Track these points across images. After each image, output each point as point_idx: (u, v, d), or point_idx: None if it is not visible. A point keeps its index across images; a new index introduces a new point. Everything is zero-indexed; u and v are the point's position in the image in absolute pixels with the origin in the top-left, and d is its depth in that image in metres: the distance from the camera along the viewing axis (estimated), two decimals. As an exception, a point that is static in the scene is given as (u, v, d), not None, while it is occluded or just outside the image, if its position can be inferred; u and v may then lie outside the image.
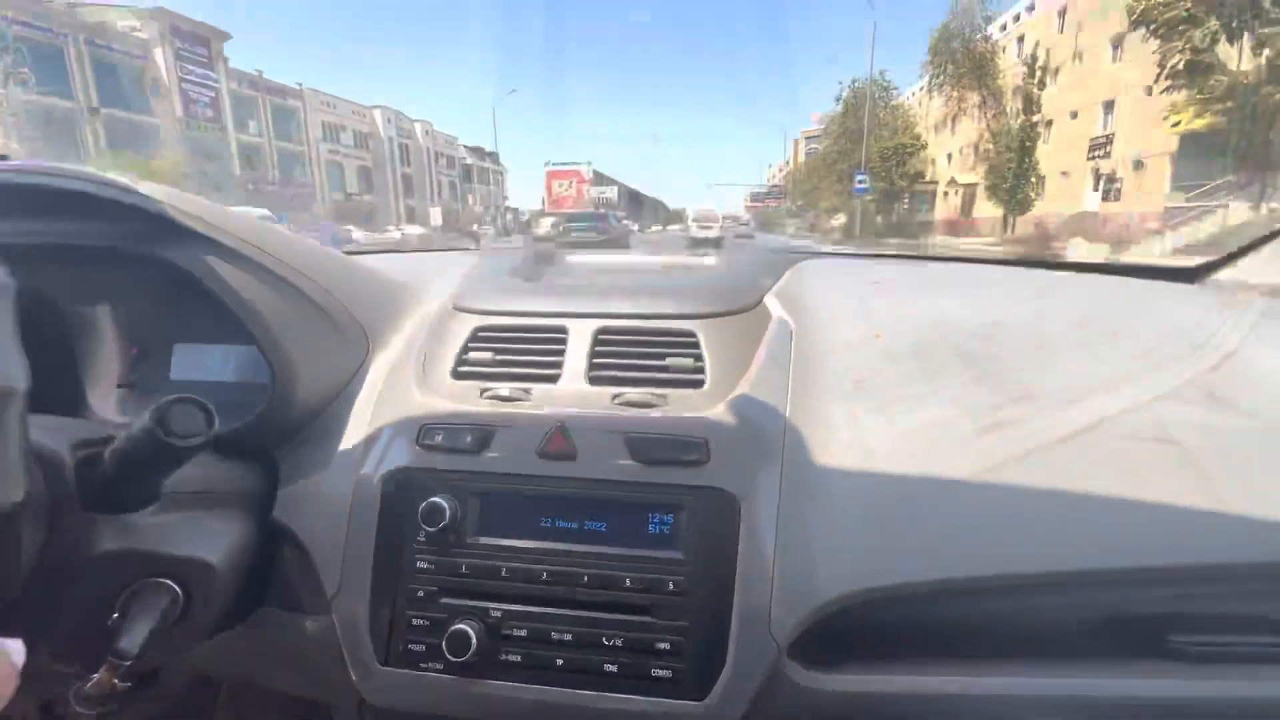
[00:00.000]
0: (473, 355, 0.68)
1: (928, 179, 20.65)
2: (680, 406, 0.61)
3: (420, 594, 0.57)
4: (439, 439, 0.59)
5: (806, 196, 46.91)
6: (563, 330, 0.69)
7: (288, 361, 0.58)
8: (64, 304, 0.63)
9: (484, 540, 0.58)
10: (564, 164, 74.32)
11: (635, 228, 23.27)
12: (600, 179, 75.92)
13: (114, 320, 0.66)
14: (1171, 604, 0.55)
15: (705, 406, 0.60)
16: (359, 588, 0.58)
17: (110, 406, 0.65)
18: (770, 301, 0.75)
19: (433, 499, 0.57)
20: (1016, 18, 19.88)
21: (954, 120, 18.48)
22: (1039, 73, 16.09)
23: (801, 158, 73.16)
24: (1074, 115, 18.15)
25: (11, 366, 0.27)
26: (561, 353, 0.67)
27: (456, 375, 0.67)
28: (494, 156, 59.75)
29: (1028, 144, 16.79)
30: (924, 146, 19.82)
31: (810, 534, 0.55)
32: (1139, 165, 15.95)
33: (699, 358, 0.66)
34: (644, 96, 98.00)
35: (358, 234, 25.05)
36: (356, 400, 0.66)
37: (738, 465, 0.57)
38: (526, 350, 0.68)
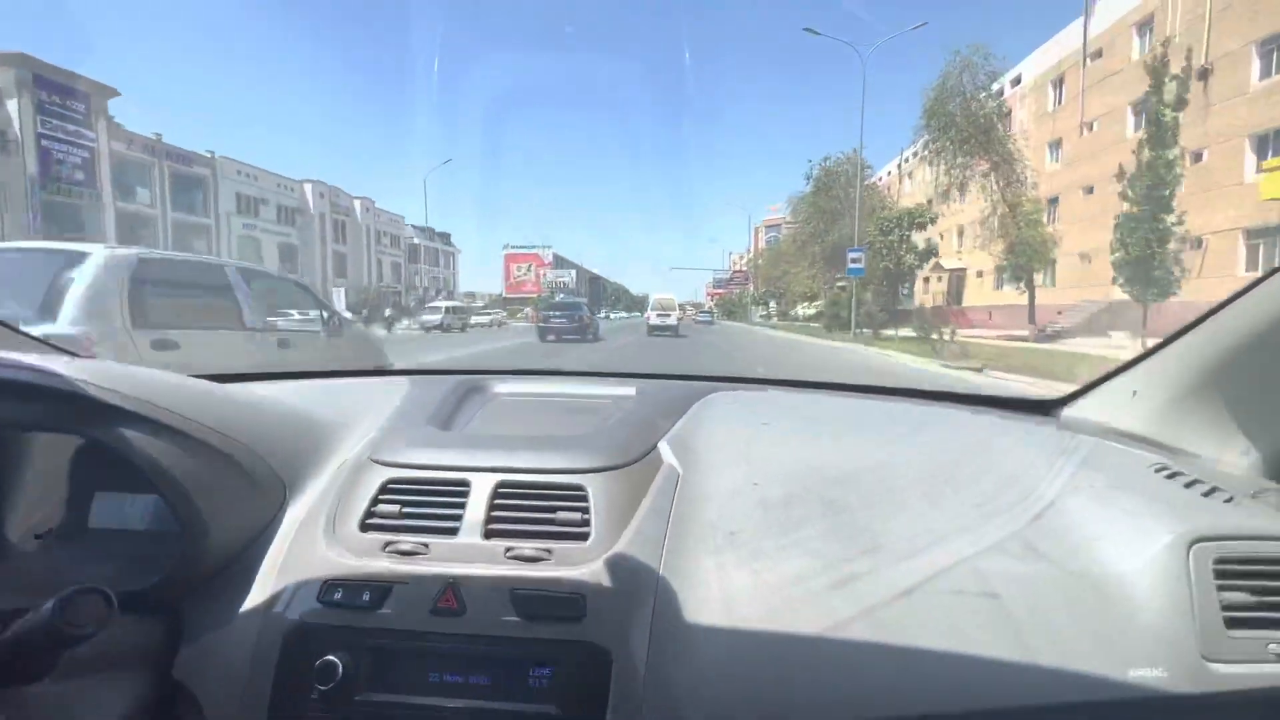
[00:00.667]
0: (381, 508, 0.71)
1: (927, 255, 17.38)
2: (564, 560, 0.66)
3: None
4: (339, 596, 0.62)
5: (772, 282, 44.84)
6: (465, 484, 0.72)
7: (199, 519, 0.61)
8: None
9: (374, 697, 0.60)
10: (522, 247, 72.26)
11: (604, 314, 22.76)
12: (561, 263, 73.86)
13: (34, 471, 0.68)
14: None
15: (587, 561, 0.65)
16: None
17: (27, 558, 0.66)
18: (663, 447, 0.83)
19: (328, 657, 0.59)
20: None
21: (951, 192, 15.51)
22: (1172, 84, 11.28)
23: (762, 245, 72.85)
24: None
25: None
26: (462, 506, 0.70)
27: (364, 528, 0.69)
28: (444, 237, 56.84)
29: (1165, 194, 11.45)
30: (934, 219, 16.66)
31: (674, 686, 0.59)
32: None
33: (585, 512, 0.70)
34: (607, 182, 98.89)
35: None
36: (268, 551, 0.68)
37: (611, 620, 0.61)
38: (430, 504, 0.71)
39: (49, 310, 2.56)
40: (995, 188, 14.57)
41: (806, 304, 28.56)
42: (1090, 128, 17.24)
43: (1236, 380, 0.80)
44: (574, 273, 65.10)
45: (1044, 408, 1.07)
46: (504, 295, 69.26)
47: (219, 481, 0.64)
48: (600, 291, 78.68)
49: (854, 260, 15.48)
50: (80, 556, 0.67)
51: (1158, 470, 0.78)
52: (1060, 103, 19.34)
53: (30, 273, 2.75)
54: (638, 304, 78.92)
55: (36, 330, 2.18)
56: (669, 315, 21.14)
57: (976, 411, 1.06)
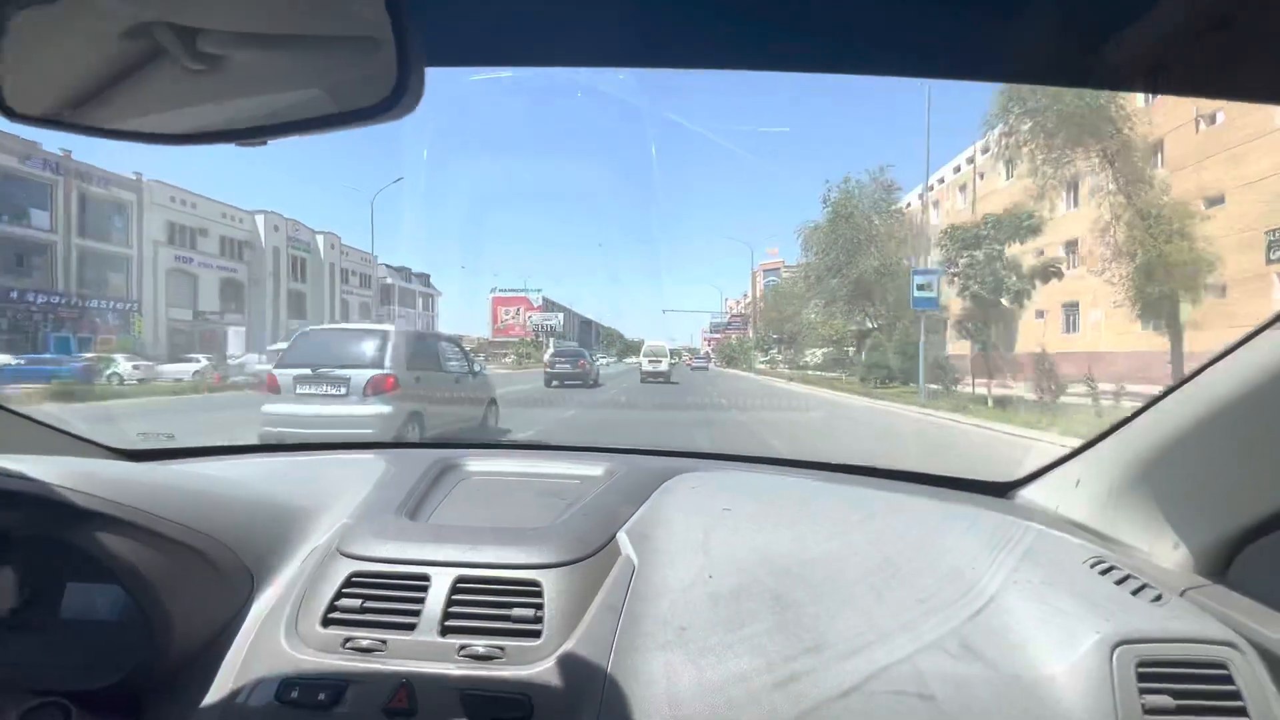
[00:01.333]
0: (344, 602, 0.73)
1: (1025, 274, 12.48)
2: (516, 658, 0.68)
3: None
4: (295, 695, 0.65)
5: (775, 325, 40.93)
6: (426, 579, 0.74)
7: (164, 614, 0.63)
8: None
9: None
10: (511, 290, 68.60)
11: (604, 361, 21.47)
12: (551, 306, 70.39)
13: (8, 564, 0.69)
14: None
15: (538, 659, 0.68)
16: None
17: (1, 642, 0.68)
18: (622, 538, 0.86)
19: None
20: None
21: (1049, 196, 11.27)
22: None
23: (760, 289, 69.58)
24: None
25: None
26: (422, 601, 0.72)
27: (325, 623, 0.71)
28: (423, 278, 53.28)
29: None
30: (1039, 227, 12.01)
31: None
32: None
33: (539, 609, 0.72)
34: (600, 223, 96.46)
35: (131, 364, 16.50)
36: (232, 644, 0.70)
37: None
38: (391, 598, 0.73)
39: (378, 360, 5.57)
40: (1115, 186, 10.36)
41: (822, 348, 24.15)
42: (1213, 119, 13.41)
43: (1168, 474, 0.83)
44: (561, 316, 61.34)
45: (999, 489, 1.14)
46: (490, 339, 65.55)
47: (186, 576, 0.67)
48: (593, 336, 74.84)
49: (922, 287, 11.18)
50: (50, 646, 0.68)
51: (1093, 565, 0.80)
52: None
53: (360, 339, 5.88)
54: (632, 349, 75.05)
55: (366, 372, 5.35)
56: (660, 362, 21.04)
57: (932, 495, 1.08)
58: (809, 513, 0.97)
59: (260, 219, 32.81)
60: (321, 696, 0.64)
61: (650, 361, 21.36)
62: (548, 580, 0.74)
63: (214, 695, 0.66)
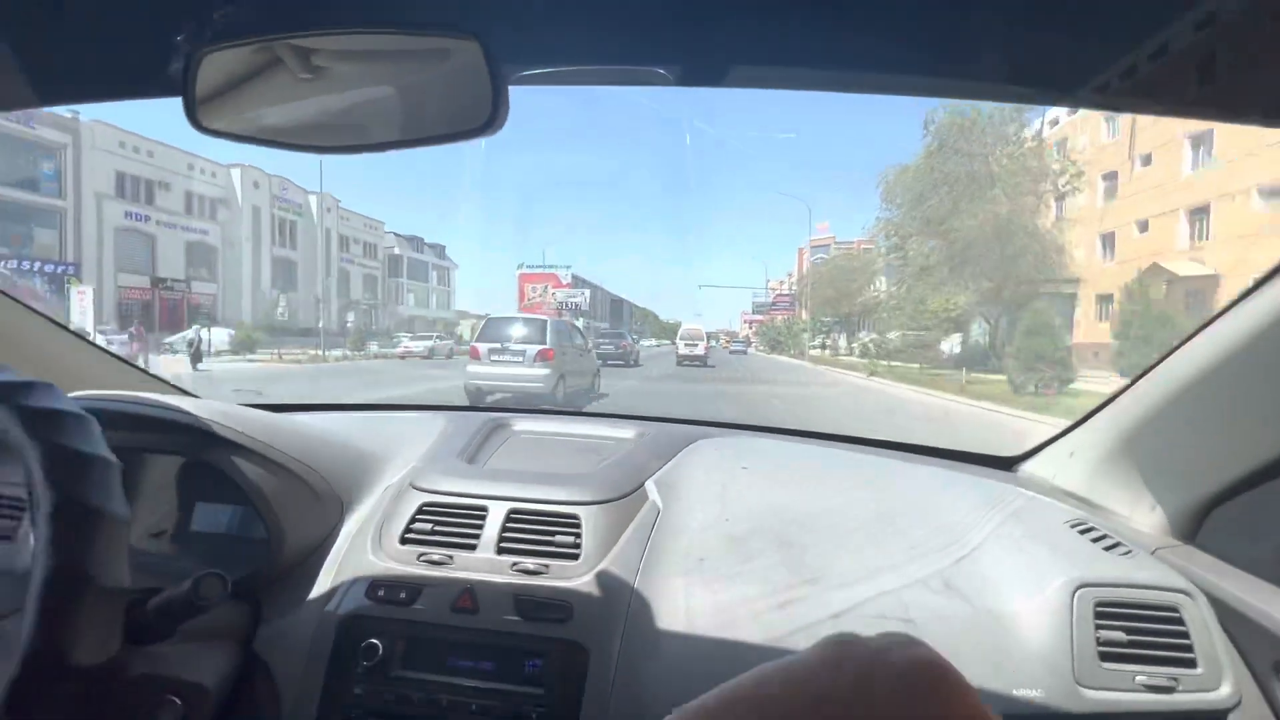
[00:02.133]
0: (417, 526, 0.86)
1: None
2: (558, 574, 0.79)
3: (354, 714, 0.73)
4: (381, 593, 0.78)
5: (832, 305, 34.99)
6: (484, 510, 0.86)
7: (280, 527, 0.78)
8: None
9: (405, 674, 0.74)
10: (538, 267, 64.04)
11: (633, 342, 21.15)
12: (580, 284, 65.68)
13: (150, 485, 0.85)
14: None
15: (576, 576, 0.79)
16: (308, 708, 0.73)
17: (148, 552, 0.82)
18: (649, 486, 0.96)
19: (371, 640, 0.74)
20: None
21: None
22: None
23: (806, 268, 63.40)
24: None
25: (125, 571, 0.45)
26: (481, 527, 0.85)
27: (403, 541, 0.84)
28: (437, 249, 48.89)
29: None
30: None
31: (640, 678, 0.72)
32: None
33: (578, 536, 0.83)
34: (633, 200, 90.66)
35: None
36: (328, 556, 0.85)
37: (592, 624, 0.75)
38: (456, 524, 0.86)
39: (541, 339, 8.48)
40: None
41: (921, 330, 18.12)
42: None
43: (1148, 445, 0.91)
44: (587, 293, 56.18)
45: (1005, 463, 1.20)
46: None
47: (294, 498, 0.81)
48: (625, 316, 69.91)
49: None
50: (185, 553, 0.84)
51: (1074, 526, 0.87)
52: None
53: (528, 325, 8.87)
54: (667, 331, 69.69)
55: (535, 346, 8.33)
56: (697, 345, 21.38)
57: (939, 465, 1.16)
58: (819, 474, 1.06)
59: (236, 173, 28.50)
60: (402, 595, 0.77)
61: (687, 345, 21.66)
62: (585, 515, 0.86)
63: (317, 591, 0.81)
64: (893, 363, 18.08)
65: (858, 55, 0.56)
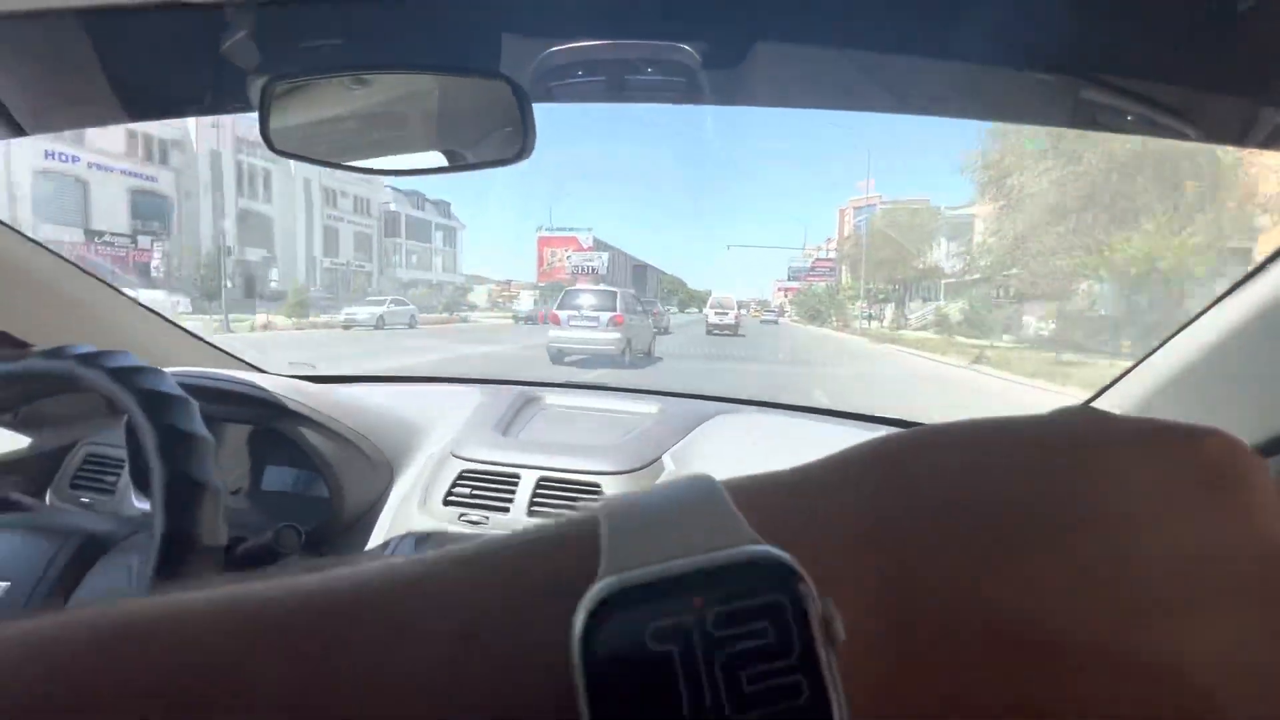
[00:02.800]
0: (457, 490, 0.95)
1: None
2: None
3: None
4: (427, 546, 0.83)
5: (886, 270, 29.78)
6: (516, 477, 0.95)
7: (340, 488, 0.88)
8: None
9: None
10: (559, 229, 59.87)
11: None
12: (602, 248, 61.14)
13: (228, 449, 0.94)
14: None
15: None
16: None
17: (229, 507, 0.93)
18: (667, 459, 1.02)
19: None
20: None
21: None
22: None
23: (848, 231, 57.82)
24: None
25: (223, 533, 0.52)
26: (514, 492, 0.94)
27: (445, 503, 0.93)
28: (441, 206, 44.59)
29: None
30: None
31: None
32: None
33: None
34: (659, 160, 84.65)
35: None
36: (381, 514, 0.94)
37: None
38: (491, 489, 0.95)
39: (613, 306, 10.30)
40: None
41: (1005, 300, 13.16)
42: None
43: (1173, 410, 0.88)
44: (606, 256, 51.75)
45: None
46: (535, 284, 57.40)
47: (352, 464, 0.91)
48: (649, 282, 65.19)
49: None
50: (258, 509, 0.94)
51: None
52: None
53: (601, 296, 10.71)
54: (694, 300, 64.70)
55: (609, 313, 10.25)
56: (727, 314, 21.41)
57: None
58: (828, 449, 0.92)
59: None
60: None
61: (717, 313, 21.59)
62: (606, 483, 0.94)
63: (372, 545, 0.90)
64: (992, 342, 13.19)
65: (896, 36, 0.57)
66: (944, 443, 0.15)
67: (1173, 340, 0.86)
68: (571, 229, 61.02)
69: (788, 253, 48.89)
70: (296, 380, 0.98)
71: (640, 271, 68.05)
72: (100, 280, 1.01)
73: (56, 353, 0.57)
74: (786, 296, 53.47)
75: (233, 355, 1.26)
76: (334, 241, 33.76)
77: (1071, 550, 0.12)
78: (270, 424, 0.88)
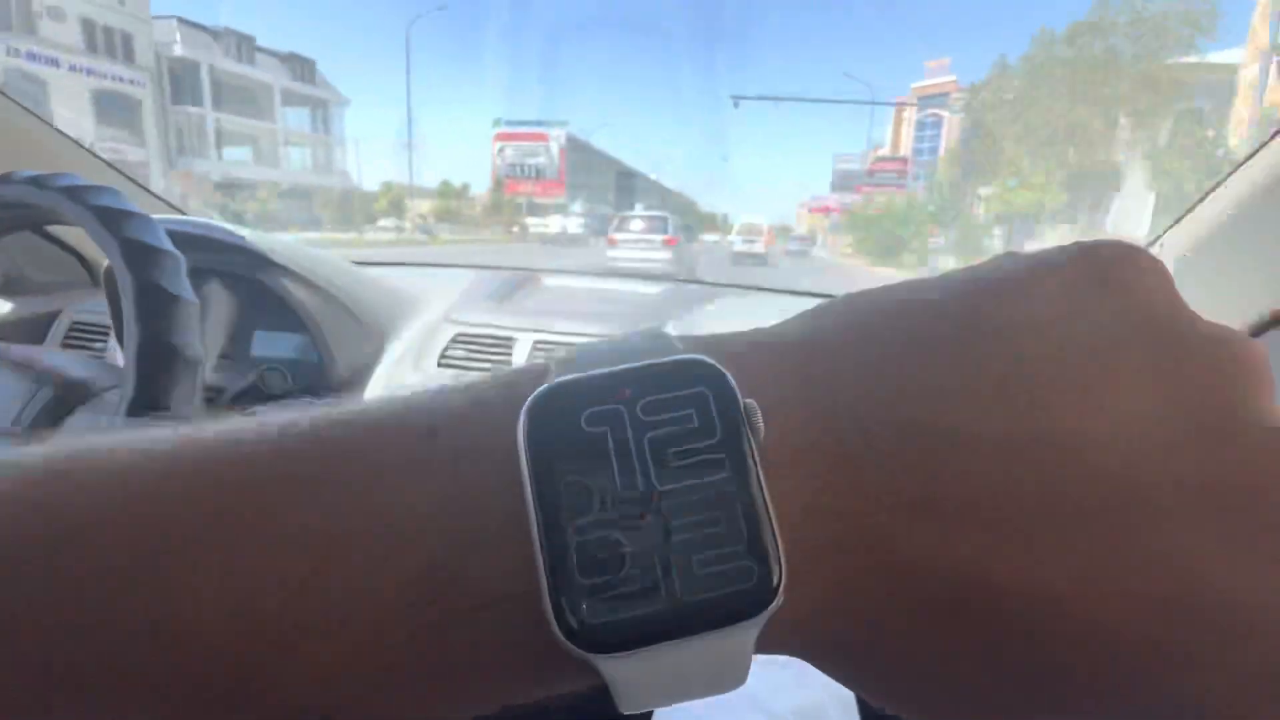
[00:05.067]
0: (451, 353, 0.94)
1: None
2: None
3: None
4: None
5: (988, 170, 14.71)
6: (512, 339, 0.95)
7: (329, 350, 0.87)
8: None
9: None
10: (522, 124, 43.89)
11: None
12: (580, 150, 45.20)
13: (214, 313, 0.92)
14: None
15: None
16: None
17: (216, 370, 0.91)
18: (670, 328, 1.00)
19: None
20: None
21: None
22: None
23: (908, 140, 40.63)
24: None
25: (200, 346, 0.49)
26: (509, 353, 0.94)
27: (439, 365, 0.93)
28: (300, 64, 28.88)
29: None
30: None
31: None
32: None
33: None
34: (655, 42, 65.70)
35: None
36: (374, 376, 0.93)
37: None
38: (487, 351, 0.95)
39: (666, 229, 11.63)
40: None
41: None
42: None
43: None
44: (554, 147, 35.80)
45: None
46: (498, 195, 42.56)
47: (342, 324, 0.90)
48: (635, 197, 49.43)
49: None
50: (248, 373, 0.89)
51: None
52: None
53: (655, 220, 12.36)
54: (708, 222, 48.52)
55: (662, 236, 11.79)
56: (755, 241, 20.00)
57: None
58: None
59: None
60: None
61: (745, 240, 20.36)
62: None
63: None
64: None
65: None
66: (892, 288, 0.15)
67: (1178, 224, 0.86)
68: (539, 123, 45.04)
69: (838, 155, 32.30)
70: (287, 240, 0.94)
71: (626, 180, 52.32)
72: (23, 108, 0.94)
73: (38, 181, 0.51)
74: (827, 217, 37.80)
75: (178, 208, 1.23)
76: (40, 104, 19.04)
77: (973, 354, 0.13)
78: (253, 273, 0.86)
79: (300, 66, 28.53)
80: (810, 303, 0.88)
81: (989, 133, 19.71)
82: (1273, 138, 0.74)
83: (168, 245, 0.50)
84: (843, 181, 32.74)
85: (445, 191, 32.44)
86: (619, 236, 11.02)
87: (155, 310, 0.48)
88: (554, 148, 35.71)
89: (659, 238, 10.64)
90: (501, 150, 35.55)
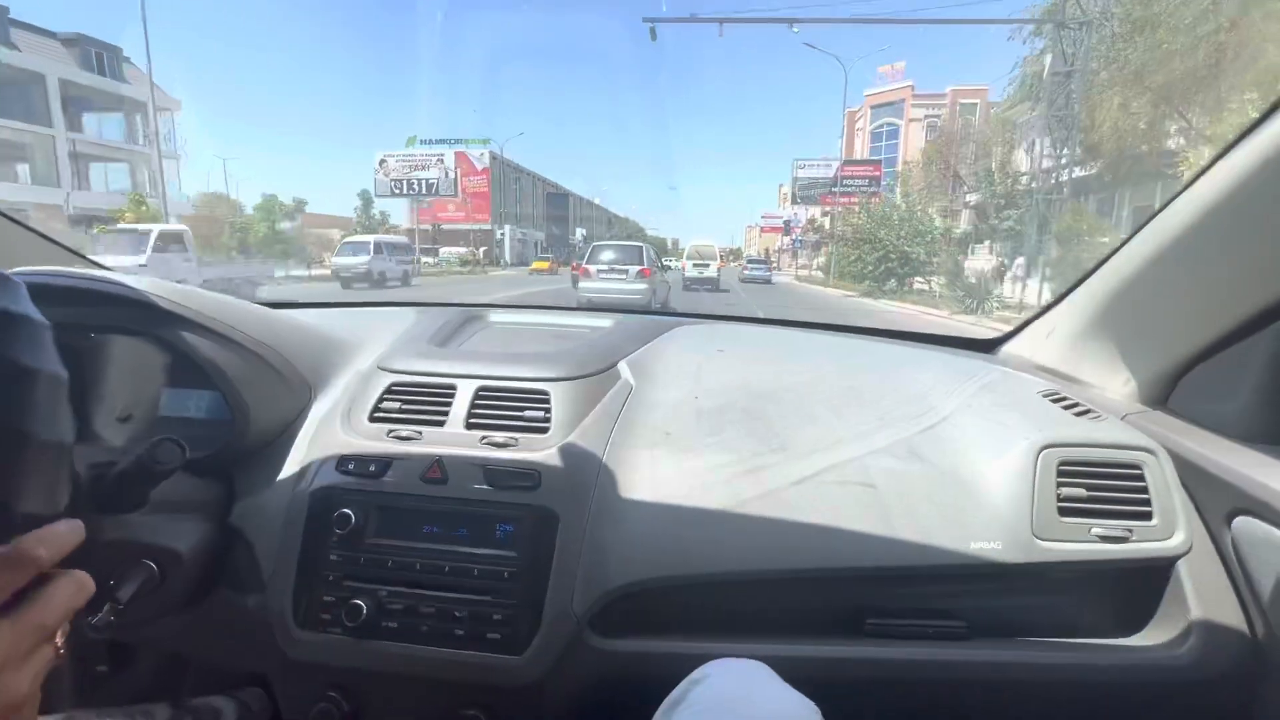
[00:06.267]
0: (385, 405, 0.87)
1: None
2: (527, 446, 0.81)
3: (330, 578, 0.75)
4: (351, 467, 0.79)
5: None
6: (452, 388, 0.88)
7: (244, 407, 0.78)
8: (84, 360, 0.82)
9: (379, 541, 0.76)
10: (441, 142, 37.41)
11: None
12: (509, 170, 39.01)
13: (115, 369, 0.84)
14: (868, 598, 0.78)
15: (544, 448, 0.80)
16: (287, 573, 0.76)
17: (113, 434, 0.83)
18: (622, 366, 0.98)
19: (343, 509, 0.75)
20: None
21: None
22: None
23: (864, 152, 37.00)
24: None
25: (67, 427, 0.43)
26: (449, 404, 0.86)
27: (372, 419, 0.85)
28: (102, 53, 21.94)
29: None
30: None
31: (608, 542, 0.75)
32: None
33: (547, 411, 0.85)
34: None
35: None
36: (298, 435, 0.86)
37: (560, 491, 0.77)
38: (424, 402, 0.87)
39: (640, 260, 10.37)
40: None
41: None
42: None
43: (1123, 316, 0.92)
44: (449, 158, 29.49)
45: (987, 345, 1.22)
46: (415, 228, 35.79)
47: (260, 379, 0.82)
48: (571, 218, 43.64)
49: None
50: (153, 435, 0.81)
51: (1046, 395, 0.90)
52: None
53: (629, 249, 10.73)
54: (658, 250, 42.45)
55: (638, 266, 10.25)
56: (708, 265, 18.95)
57: (917, 346, 1.18)
58: (794, 354, 1.10)
59: None
60: (371, 468, 0.78)
61: (695, 265, 19.10)
62: (555, 390, 0.86)
63: (288, 470, 0.82)
64: None
65: None
66: None
67: (1123, 249, 0.86)
68: (457, 141, 38.65)
69: (800, 161, 27.08)
70: (194, 289, 0.83)
71: (559, 200, 46.43)
72: None
73: None
74: (789, 238, 32.75)
75: (93, 260, 1.13)
76: None
77: None
78: (147, 329, 0.78)
79: (94, 53, 21.41)
80: (773, 329, 1.15)
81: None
82: (1148, 221, 0.81)
83: (25, 309, 0.43)
84: (805, 192, 27.54)
85: (268, 208, 24.04)
86: (591, 267, 10.39)
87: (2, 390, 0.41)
88: (450, 160, 29.33)
89: (634, 268, 10.17)
90: (383, 163, 28.95)
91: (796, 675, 0.57)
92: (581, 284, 10.43)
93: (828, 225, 28.86)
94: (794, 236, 35.05)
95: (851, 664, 0.74)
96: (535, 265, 29.34)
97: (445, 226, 38.81)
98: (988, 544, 0.73)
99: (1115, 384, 0.95)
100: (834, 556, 0.74)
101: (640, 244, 11.17)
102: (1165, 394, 0.89)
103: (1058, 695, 0.76)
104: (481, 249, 36.81)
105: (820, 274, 26.41)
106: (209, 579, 0.78)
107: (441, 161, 28.50)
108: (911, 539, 0.73)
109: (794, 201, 29.28)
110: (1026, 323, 1.16)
